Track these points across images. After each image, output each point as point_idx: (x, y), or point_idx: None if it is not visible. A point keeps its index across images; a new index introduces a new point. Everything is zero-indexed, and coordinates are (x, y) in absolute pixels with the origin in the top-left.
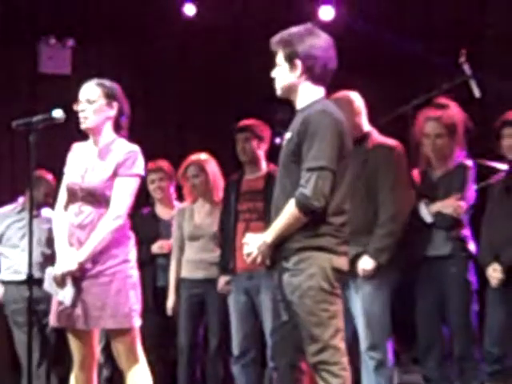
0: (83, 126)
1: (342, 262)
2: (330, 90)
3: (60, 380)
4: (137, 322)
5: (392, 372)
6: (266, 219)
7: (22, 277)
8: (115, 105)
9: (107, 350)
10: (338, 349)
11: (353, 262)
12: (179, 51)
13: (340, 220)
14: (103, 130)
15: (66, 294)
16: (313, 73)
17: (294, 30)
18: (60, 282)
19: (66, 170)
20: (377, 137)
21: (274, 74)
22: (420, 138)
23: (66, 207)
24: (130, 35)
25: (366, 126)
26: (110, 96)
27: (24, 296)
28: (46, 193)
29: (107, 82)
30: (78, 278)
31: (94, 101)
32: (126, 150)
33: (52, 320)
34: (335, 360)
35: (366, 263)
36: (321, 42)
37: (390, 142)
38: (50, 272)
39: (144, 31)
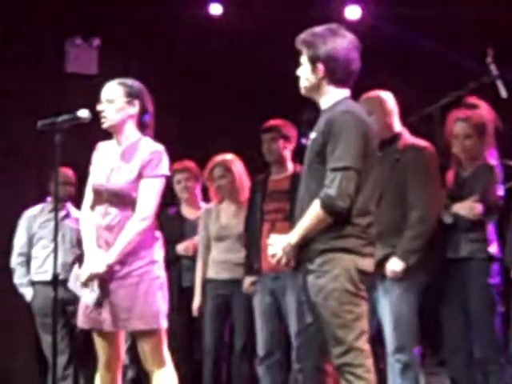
0: (104, 125)
1: (367, 264)
2: (358, 90)
3: (87, 381)
4: (164, 324)
5: (418, 375)
6: (291, 219)
7: (50, 277)
8: (136, 103)
9: (132, 351)
10: (362, 351)
11: (381, 263)
12: (204, 51)
13: (365, 221)
14: (125, 129)
15: (90, 295)
16: (335, 76)
17: (317, 30)
18: (86, 282)
19: (92, 169)
20: (408, 137)
21: (298, 72)
22: (450, 139)
23: (92, 207)
24: (157, 34)
25: (398, 127)
26: (130, 94)
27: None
28: (68, 187)
29: (129, 81)
30: (105, 279)
31: (114, 100)
32: (151, 150)
33: (79, 321)
34: (359, 362)
35: (395, 265)
36: (344, 43)
37: (421, 142)
38: (77, 272)
39: (170, 31)
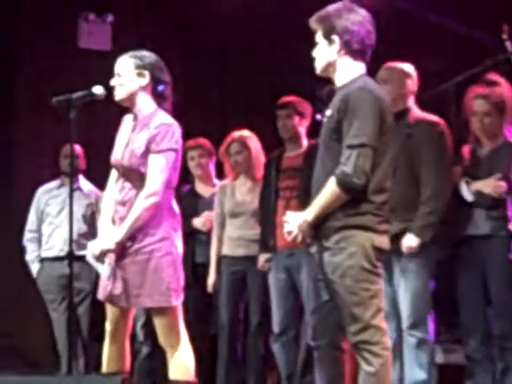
0: (115, 99)
1: (383, 241)
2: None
3: (86, 361)
4: (175, 301)
5: (433, 351)
6: (301, 196)
7: (54, 253)
8: (147, 74)
9: (147, 327)
10: (379, 328)
11: (395, 238)
12: (220, 26)
13: (381, 198)
14: (138, 102)
15: (105, 269)
16: (351, 48)
17: (331, 7)
18: (99, 258)
19: (115, 144)
20: (418, 112)
21: (314, 53)
22: (468, 116)
23: (116, 182)
24: (170, 9)
25: (410, 101)
26: (140, 66)
27: (55, 273)
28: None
29: (140, 53)
30: (118, 255)
31: (123, 73)
32: (156, 124)
33: (99, 294)
34: (376, 340)
35: (410, 240)
36: (358, 18)
37: (433, 117)
38: (90, 246)
39: (184, 5)
